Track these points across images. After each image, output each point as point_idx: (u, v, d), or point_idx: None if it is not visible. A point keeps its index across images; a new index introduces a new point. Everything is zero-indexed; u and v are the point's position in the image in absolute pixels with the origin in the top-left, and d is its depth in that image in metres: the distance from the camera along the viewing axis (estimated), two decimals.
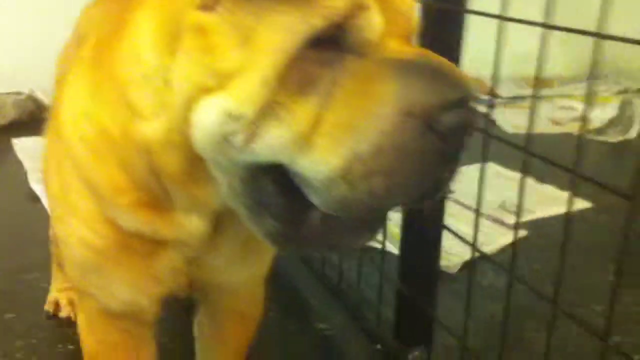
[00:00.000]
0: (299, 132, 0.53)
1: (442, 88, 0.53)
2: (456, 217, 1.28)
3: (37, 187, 1.70)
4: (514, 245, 0.87)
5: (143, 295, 0.73)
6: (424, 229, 1.03)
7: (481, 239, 0.97)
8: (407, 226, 1.06)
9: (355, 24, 0.53)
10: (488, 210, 1.66)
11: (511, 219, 1.62)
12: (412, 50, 0.57)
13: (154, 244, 0.68)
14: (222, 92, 0.53)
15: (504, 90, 2.85)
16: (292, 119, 0.53)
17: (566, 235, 0.77)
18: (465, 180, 0.84)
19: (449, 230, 1.00)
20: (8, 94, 2.20)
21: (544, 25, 0.74)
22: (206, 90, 0.53)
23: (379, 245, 1.12)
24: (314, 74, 0.53)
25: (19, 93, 2.20)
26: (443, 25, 0.93)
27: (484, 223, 1.55)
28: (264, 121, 0.53)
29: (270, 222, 0.58)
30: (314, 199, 0.55)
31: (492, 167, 1.73)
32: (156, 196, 0.64)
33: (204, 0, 0.53)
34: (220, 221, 0.68)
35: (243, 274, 0.80)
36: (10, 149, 1.99)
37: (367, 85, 0.53)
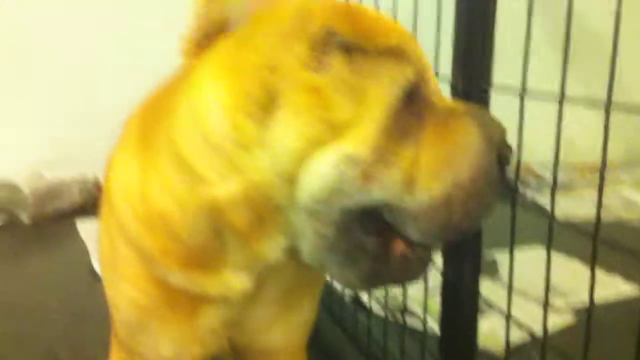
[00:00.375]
0: (404, 172, 0.63)
1: (499, 126, 0.68)
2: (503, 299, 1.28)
3: (98, 267, 1.78)
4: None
5: (187, 355, 0.78)
6: (461, 307, 1.05)
7: (529, 322, 0.98)
8: (445, 303, 1.08)
9: (427, 78, 0.66)
10: (535, 292, 1.64)
11: (557, 302, 1.61)
12: (452, 100, 0.73)
13: (197, 301, 0.73)
14: (339, 142, 0.61)
15: (551, 177, 2.84)
16: (399, 160, 0.63)
17: None
18: (517, 265, 0.88)
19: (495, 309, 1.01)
20: (74, 179, 2.33)
21: (606, 107, 0.72)
22: (321, 143, 0.61)
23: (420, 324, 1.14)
24: (408, 122, 0.64)
25: (84, 179, 2.34)
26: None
27: (533, 307, 1.54)
28: (375, 166, 0.62)
29: (366, 262, 0.67)
30: (412, 230, 0.66)
31: (538, 249, 1.73)
32: (207, 255, 0.70)
33: (314, 64, 0.62)
34: (262, 281, 0.73)
35: (283, 339, 0.84)
36: (75, 230, 2.11)
37: (451, 126, 0.66)
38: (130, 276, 0.75)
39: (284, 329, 0.84)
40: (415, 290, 1.23)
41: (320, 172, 0.61)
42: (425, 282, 1.10)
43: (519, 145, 0.83)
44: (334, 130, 0.61)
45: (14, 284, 1.75)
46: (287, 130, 0.61)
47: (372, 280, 0.68)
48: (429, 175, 0.64)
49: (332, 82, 0.62)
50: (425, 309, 1.14)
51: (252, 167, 0.63)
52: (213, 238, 0.68)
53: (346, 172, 0.61)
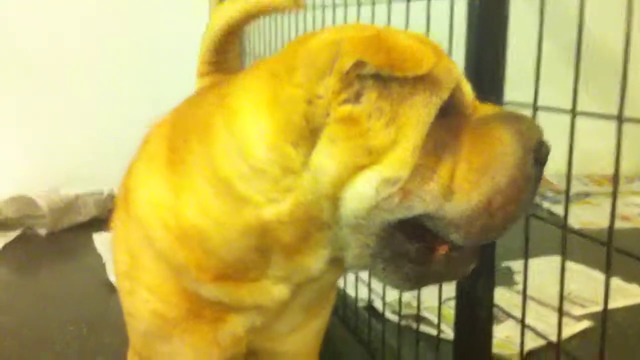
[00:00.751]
0: (443, 184, 0.66)
1: (534, 128, 0.70)
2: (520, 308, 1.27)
3: (114, 278, 1.79)
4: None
5: None
6: (476, 315, 1.04)
7: (546, 329, 0.98)
8: (460, 311, 1.07)
9: (460, 91, 0.69)
10: (552, 302, 1.63)
11: (576, 311, 1.59)
12: (489, 106, 0.74)
13: (225, 310, 0.74)
14: (377, 165, 0.65)
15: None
16: (436, 175, 0.66)
17: None
18: (531, 272, 0.88)
19: (512, 317, 1.01)
20: (90, 193, 2.36)
21: (618, 119, 0.75)
22: (360, 168, 0.65)
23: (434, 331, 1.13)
24: (442, 137, 0.67)
25: (100, 192, 2.37)
26: None
27: (548, 314, 1.53)
28: (413, 182, 0.65)
29: (409, 266, 0.70)
30: (455, 236, 0.68)
31: (556, 260, 1.72)
32: (245, 269, 0.72)
33: (348, 96, 0.66)
34: (298, 290, 0.75)
35: (301, 343, 0.86)
36: (90, 243, 2.12)
37: (487, 135, 0.69)
38: (154, 287, 0.76)
39: (304, 334, 0.86)
40: (428, 296, 1.23)
41: (361, 194, 0.65)
42: (440, 289, 1.10)
43: None
44: (372, 155, 0.65)
45: (30, 294, 1.77)
46: (327, 158, 0.66)
47: (417, 281, 0.72)
48: (468, 185, 0.66)
49: (366, 111, 0.65)
50: (440, 315, 1.13)
51: (299, 189, 0.67)
52: (255, 254, 0.71)
53: (385, 193, 0.65)
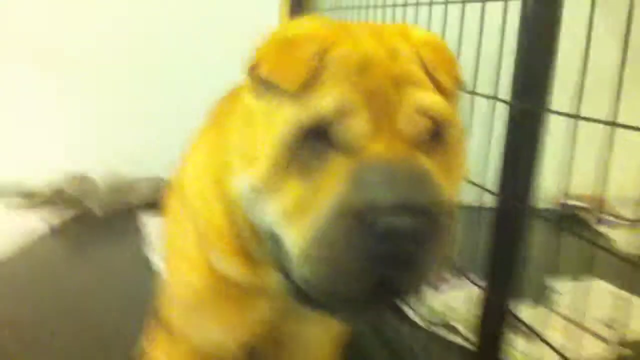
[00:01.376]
0: (284, 210, 0.62)
1: (382, 194, 0.56)
2: (558, 330, 1.26)
3: (155, 259, 1.86)
4: None
5: (233, 341, 0.82)
6: (497, 325, 1.04)
7: (576, 350, 0.96)
8: (482, 320, 1.06)
9: (340, 124, 0.61)
10: (592, 325, 1.59)
11: (609, 334, 1.54)
12: (397, 153, 0.61)
13: (248, 293, 0.77)
14: (248, 170, 0.66)
15: (627, 212, 2.73)
16: (282, 196, 0.62)
17: None
18: (574, 294, 0.85)
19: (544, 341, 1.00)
20: (144, 177, 2.44)
21: None
22: (238, 170, 0.68)
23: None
24: (304, 162, 0.61)
25: (154, 178, 2.44)
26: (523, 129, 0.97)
27: (586, 338, 1.49)
28: (268, 194, 0.63)
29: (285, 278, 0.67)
30: (289, 268, 0.63)
31: (603, 285, 1.68)
32: (251, 246, 0.74)
33: (254, 89, 0.68)
34: None
35: (322, 334, 0.89)
36: (140, 224, 2.20)
37: (326, 181, 0.60)
38: (191, 258, 0.80)
39: (326, 324, 0.88)
40: (454, 302, 1.23)
41: (238, 191, 0.68)
42: (467, 299, 1.10)
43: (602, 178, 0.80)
44: (244, 159, 0.67)
45: (79, 272, 1.85)
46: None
47: (298, 299, 0.66)
48: (301, 223, 0.60)
49: (257, 107, 0.67)
50: (464, 324, 1.13)
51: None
52: (248, 229, 0.72)
53: (249, 195, 0.66)
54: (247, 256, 0.74)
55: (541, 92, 0.94)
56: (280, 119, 0.62)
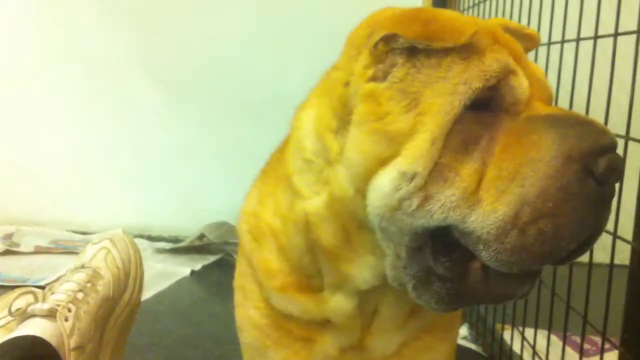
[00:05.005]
0: (466, 190, 0.57)
1: (594, 135, 0.57)
2: None
3: None
4: None
5: None
6: None
7: None
8: None
9: (507, 85, 0.59)
10: None
11: None
12: (555, 108, 0.62)
13: (310, 328, 0.75)
14: (397, 158, 0.59)
15: None
16: (459, 177, 0.58)
17: None
18: None
19: None
20: None
21: None
22: (383, 160, 0.59)
23: None
24: (473, 133, 0.58)
25: None
26: None
27: None
28: (433, 184, 0.58)
29: (439, 285, 0.62)
30: (485, 256, 0.58)
31: None
32: (306, 276, 0.72)
33: (375, 72, 0.60)
34: (369, 304, 0.72)
35: None
36: None
37: (524, 137, 0.58)
38: (251, 295, 0.80)
39: None
40: None
41: (380, 188, 0.59)
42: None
43: None
44: (392, 144, 0.59)
45: (216, 312, 1.92)
46: (354, 145, 0.61)
47: (451, 301, 0.63)
48: (495, 193, 0.57)
49: (388, 91, 0.60)
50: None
51: (335, 182, 0.64)
52: (307, 256, 0.71)
53: (403, 190, 0.58)
54: (303, 288, 0.73)
55: None
56: (444, 90, 0.58)
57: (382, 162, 0.59)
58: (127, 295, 1.30)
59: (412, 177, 0.58)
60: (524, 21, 1.34)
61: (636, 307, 0.93)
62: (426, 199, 0.58)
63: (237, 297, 0.85)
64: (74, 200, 2.71)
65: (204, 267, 2.31)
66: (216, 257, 2.39)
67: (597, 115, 0.99)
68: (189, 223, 2.54)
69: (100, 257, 1.30)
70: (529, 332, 1.34)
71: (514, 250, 0.56)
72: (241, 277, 0.83)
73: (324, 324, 0.75)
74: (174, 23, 2.59)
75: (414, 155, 0.58)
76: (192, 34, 2.59)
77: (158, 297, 2.01)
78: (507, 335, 1.51)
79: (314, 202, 0.67)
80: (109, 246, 1.33)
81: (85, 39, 2.61)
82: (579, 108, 1.05)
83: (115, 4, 2.59)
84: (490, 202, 0.57)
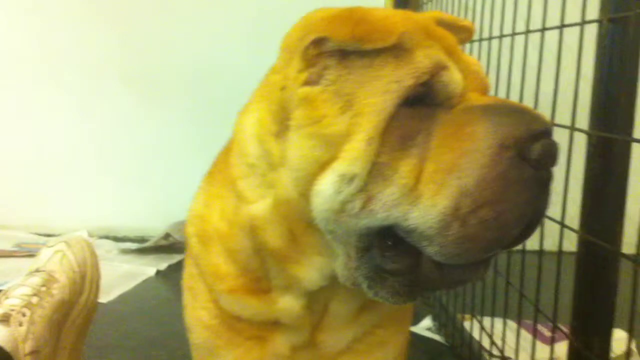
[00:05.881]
0: (405, 186, 0.58)
1: (527, 121, 0.58)
2: None
3: None
4: None
5: None
6: None
7: None
8: None
9: (440, 80, 0.59)
10: None
11: None
12: (490, 98, 0.63)
13: (261, 328, 0.75)
14: (335, 161, 0.59)
15: None
16: (397, 175, 0.58)
17: None
18: None
19: None
20: None
21: None
22: (323, 164, 0.59)
23: None
24: (411, 130, 0.58)
25: None
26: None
27: None
28: (374, 184, 0.58)
29: (392, 280, 0.62)
30: (431, 251, 0.58)
31: None
32: (255, 278, 0.72)
33: (309, 76, 0.60)
34: (318, 302, 0.73)
35: None
36: None
37: (460, 129, 0.58)
38: (200, 295, 0.79)
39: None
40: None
41: (322, 192, 0.60)
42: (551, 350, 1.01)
43: None
44: (330, 146, 0.59)
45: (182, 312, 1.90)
46: (294, 150, 0.61)
47: (408, 293, 0.63)
48: (435, 186, 0.57)
49: (322, 94, 0.60)
50: None
51: (279, 185, 0.64)
52: (255, 259, 0.71)
53: (344, 193, 0.58)
54: (250, 290, 0.72)
55: (623, 120, 0.88)
56: (377, 90, 0.58)
57: (322, 165, 0.59)
58: (83, 298, 1.28)
59: (352, 179, 0.58)
60: (480, 10, 1.36)
61: (584, 296, 0.94)
62: (369, 200, 0.58)
63: (186, 298, 0.84)
64: (38, 202, 2.67)
65: (170, 267, 2.30)
66: (182, 256, 2.31)
67: (544, 107, 1.01)
68: (155, 223, 2.52)
69: (55, 261, 1.28)
70: (494, 322, 1.35)
71: (457, 242, 0.57)
72: (190, 278, 0.82)
73: (275, 323, 0.75)
74: (144, 22, 2.57)
75: (352, 157, 0.58)
76: (162, 33, 2.57)
77: (123, 297, 1.99)
78: (469, 324, 1.52)
79: (260, 206, 0.67)
80: (64, 249, 1.31)
81: (52, 38, 2.57)
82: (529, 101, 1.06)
83: (85, 3, 2.56)
84: (430, 196, 0.57)
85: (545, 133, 0.58)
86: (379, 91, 0.58)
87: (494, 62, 1.25)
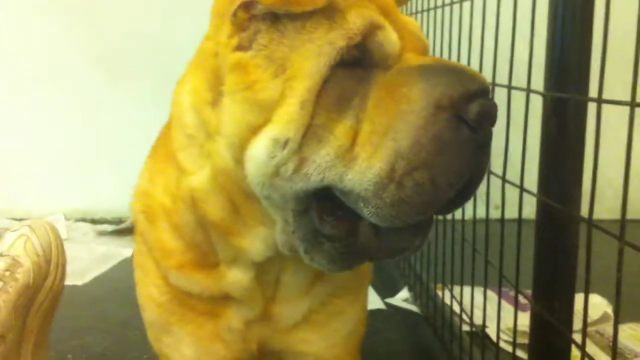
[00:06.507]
0: (341, 147, 0.57)
1: (464, 81, 0.56)
2: None
3: None
4: None
5: (211, 356, 0.77)
6: (552, 343, 0.94)
7: None
8: (535, 338, 0.97)
9: (375, 41, 0.58)
10: None
11: None
12: (429, 59, 0.62)
13: (213, 303, 0.74)
14: (268, 125, 0.58)
15: None
16: (333, 136, 0.57)
17: None
18: None
19: None
20: None
21: None
22: (256, 128, 0.58)
23: None
24: (347, 91, 0.57)
25: None
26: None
27: None
28: (308, 146, 0.57)
29: (329, 245, 0.62)
30: (367, 213, 0.57)
31: None
32: (202, 253, 0.71)
33: (240, 41, 0.59)
34: (268, 273, 0.72)
35: (322, 346, 0.80)
36: None
37: (396, 90, 0.57)
38: (150, 273, 0.78)
39: (326, 335, 0.80)
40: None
41: (255, 157, 0.59)
42: (515, 315, 1.01)
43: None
44: (262, 111, 0.58)
45: None
46: (228, 116, 0.60)
47: (344, 260, 0.63)
48: (370, 148, 0.56)
49: (254, 59, 0.58)
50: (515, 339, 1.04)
51: (216, 154, 0.63)
52: (200, 233, 0.70)
53: (278, 157, 0.58)
54: (198, 265, 0.72)
55: (577, 80, 0.86)
56: (309, 53, 0.57)
57: (255, 130, 0.58)
58: (49, 282, 1.26)
59: (285, 143, 0.57)
60: None
61: (544, 260, 0.94)
62: (302, 162, 0.58)
63: (137, 275, 0.83)
64: (13, 187, 2.64)
65: None
66: None
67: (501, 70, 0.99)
68: None
69: (19, 245, 1.26)
70: (465, 290, 1.35)
71: (393, 204, 0.56)
72: (139, 255, 0.82)
73: (226, 298, 0.74)
74: (111, 2, 2.52)
75: (285, 120, 0.57)
76: (129, 12, 2.52)
77: (98, 280, 1.98)
78: (442, 293, 1.52)
79: (199, 177, 0.66)
80: (27, 233, 1.29)
81: (14, 19, 2.52)
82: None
83: None
84: (365, 158, 0.57)
85: (483, 92, 0.57)
86: (312, 54, 0.57)
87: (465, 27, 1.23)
